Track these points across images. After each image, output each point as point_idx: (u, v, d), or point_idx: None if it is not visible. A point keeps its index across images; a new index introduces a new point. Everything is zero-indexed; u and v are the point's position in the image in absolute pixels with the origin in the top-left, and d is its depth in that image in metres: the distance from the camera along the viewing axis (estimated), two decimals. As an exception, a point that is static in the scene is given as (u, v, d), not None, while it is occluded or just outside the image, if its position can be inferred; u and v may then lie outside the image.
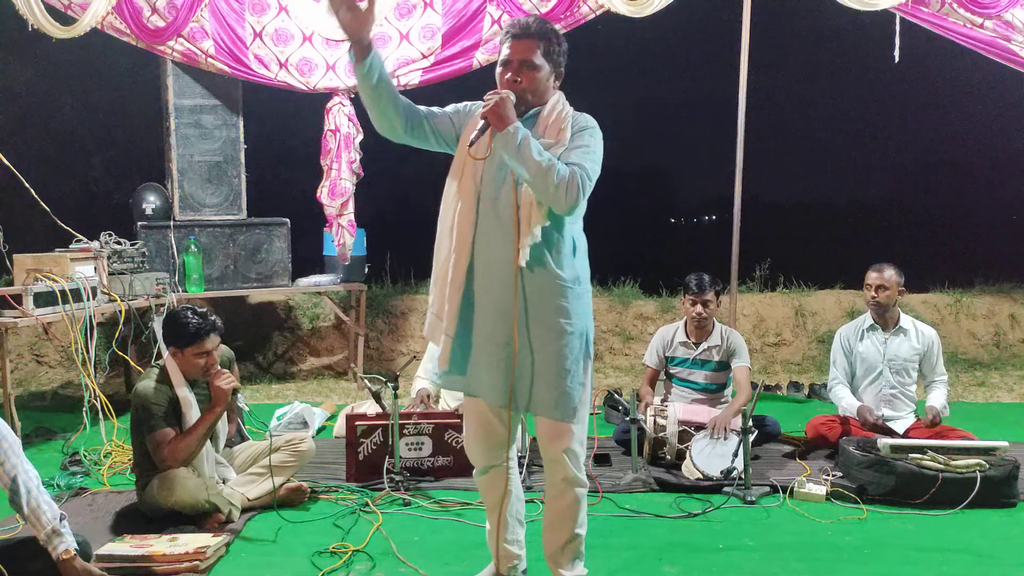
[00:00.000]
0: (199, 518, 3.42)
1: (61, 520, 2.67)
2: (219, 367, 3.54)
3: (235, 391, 3.52)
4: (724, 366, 4.63)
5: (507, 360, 2.54)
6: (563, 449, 2.62)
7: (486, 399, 2.65)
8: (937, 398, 4.38)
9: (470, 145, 2.45)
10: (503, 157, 2.46)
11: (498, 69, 2.60)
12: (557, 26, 2.91)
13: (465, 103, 2.72)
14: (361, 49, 2.37)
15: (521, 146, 2.38)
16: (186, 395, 3.54)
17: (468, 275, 2.57)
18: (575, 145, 2.53)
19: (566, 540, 2.75)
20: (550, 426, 2.61)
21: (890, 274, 4.45)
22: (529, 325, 2.54)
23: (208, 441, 3.58)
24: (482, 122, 2.43)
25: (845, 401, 4.50)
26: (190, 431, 3.46)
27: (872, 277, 4.49)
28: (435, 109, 2.66)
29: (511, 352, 2.52)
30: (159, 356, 5.14)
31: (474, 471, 2.87)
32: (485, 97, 2.46)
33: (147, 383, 3.51)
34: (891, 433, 4.32)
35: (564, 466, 2.65)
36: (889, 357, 4.48)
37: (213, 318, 3.56)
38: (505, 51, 2.56)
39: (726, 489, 3.82)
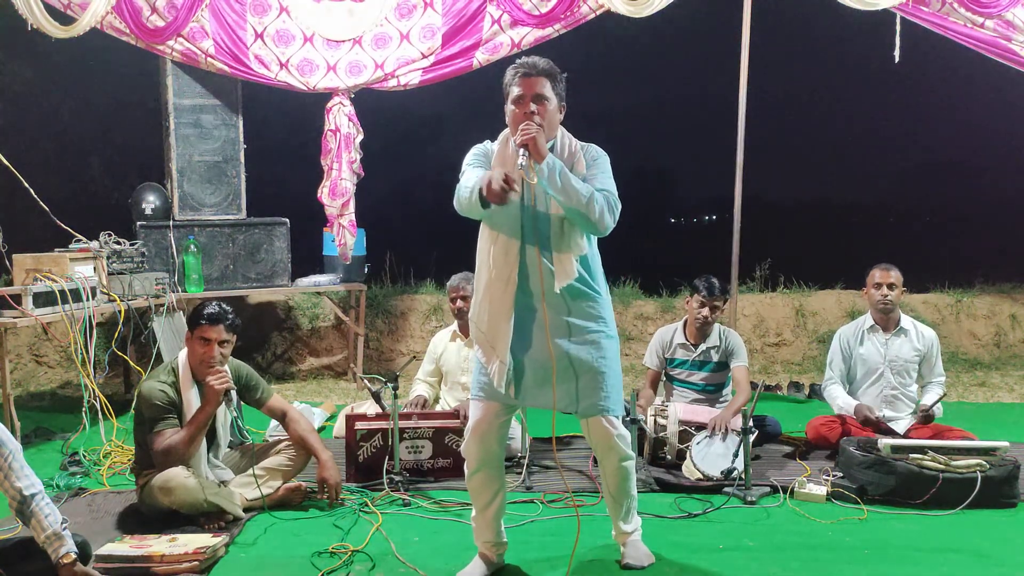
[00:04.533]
0: (199, 518, 3.42)
1: (63, 526, 2.67)
2: (217, 365, 3.53)
3: (227, 392, 3.51)
4: (723, 366, 4.62)
5: (558, 371, 2.81)
6: (615, 436, 2.90)
7: (541, 407, 2.90)
8: (930, 397, 4.41)
9: (520, 167, 2.59)
10: (543, 186, 2.66)
11: (509, 107, 2.79)
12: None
13: (478, 148, 2.92)
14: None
15: (562, 176, 2.64)
16: (191, 399, 3.54)
17: (515, 302, 2.80)
18: (596, 172, 2.80)
19: (627, 504, 3.06)
20: (599, 422, 2.88)
21: (896, 273, 4.48)
22: (571, 338, 2.81)
23: (204, 442, 3.58)
24: (522, 150, 2.61)
25: (841, 399, 4.50)
26: (183, 430, 3.46)
27: (880, 276, 4.49)
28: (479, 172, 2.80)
29: (559, 363, 2.80)
30: (159, 356, 5.14)
31: (467, 473, 2.99)
32: (521, 128, 2.64)
33: (152, 382, 3.52)
34: (890, 433, 4.32)
35: (618, 450, 2.93)
36: (890, 358, 4.48)
37: (231, 315, 3.59)
38: (516, 89, 2.76)
39: (726, 489, 3.81)
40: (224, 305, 3.61)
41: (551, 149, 2.77)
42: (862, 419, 4.37)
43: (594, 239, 2.87)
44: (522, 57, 2.81)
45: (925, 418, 4.34)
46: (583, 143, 2.88)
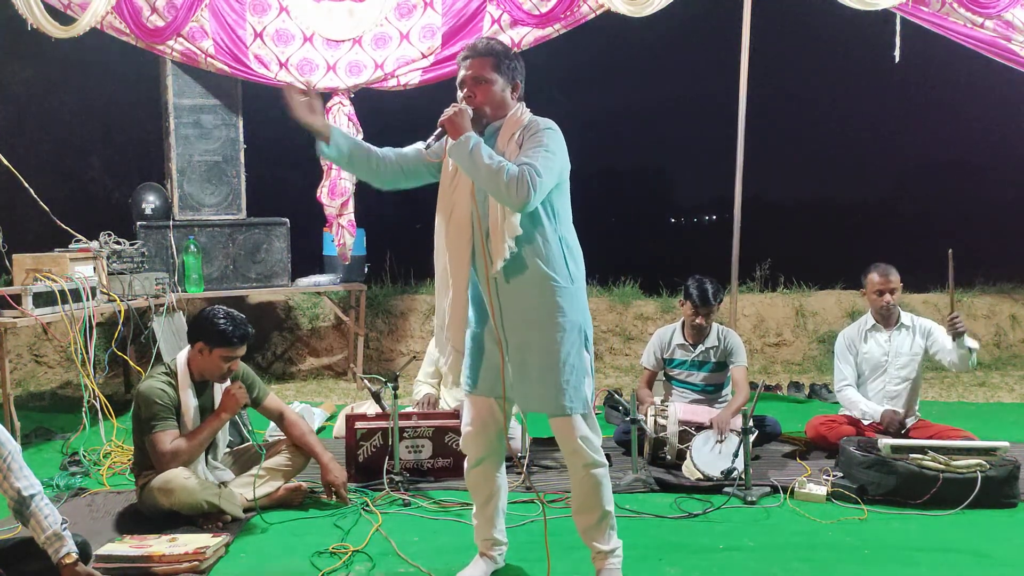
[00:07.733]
0: (198, 519, 3.42)
1: (63, 526, 2.67)
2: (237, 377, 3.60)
3: (245, 405, 3.57)
4: (722, 367, 4.62)
5: (514, 364, 2.74)
6: (578, 438, 2.73)
7: (496, 397, 2.82)
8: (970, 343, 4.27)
9: (426, 148, 2.63)
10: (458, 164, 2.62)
11: (458, 93, 2.75)
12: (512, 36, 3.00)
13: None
14: (324, 136, 2.65)
15: (472, 152, 2.54)
16: (188, 399, 3.54)
17: (471, 286, 2.74)
18: (528, 145, 2.66)
19: (598, 519, 2.85)
20: (560, 421, 2.73)
21: (895, 276, 4.49)
22: (524, 328, 2.70)
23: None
24: (439, 129, 2.62)
25: (863, 404, 4.46)
26: (193, 434, 3.47)
27: (879, 281, 4.48)
28: (420, 145, 2.80)
29: (509, 353, 2.73)
30: (159, 356, 5.14)
31: (467, 468, 2.97)
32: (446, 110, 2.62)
33: (151, 382, 3.51)
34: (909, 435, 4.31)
35: (582, 454, 2.75)
36: (893, 355, 4.49)
37: (250, 328, 3.57)
38: (461, 73, 2.74)
39: (726, 489, 3.82)
40: (236, 314, 3.55)
41: (497, 129, 2.73)
42: (889, 424, 4.33)
43: (554, 222, 2.69)
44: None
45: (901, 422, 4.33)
46: (538, 117, 2.76)
